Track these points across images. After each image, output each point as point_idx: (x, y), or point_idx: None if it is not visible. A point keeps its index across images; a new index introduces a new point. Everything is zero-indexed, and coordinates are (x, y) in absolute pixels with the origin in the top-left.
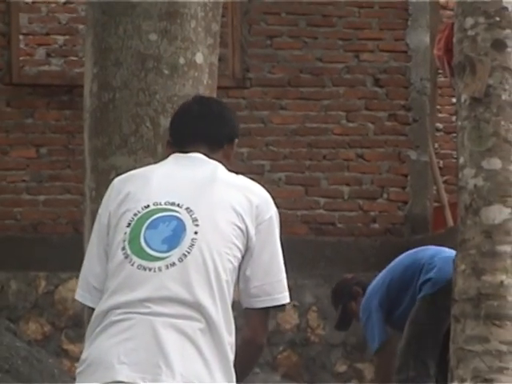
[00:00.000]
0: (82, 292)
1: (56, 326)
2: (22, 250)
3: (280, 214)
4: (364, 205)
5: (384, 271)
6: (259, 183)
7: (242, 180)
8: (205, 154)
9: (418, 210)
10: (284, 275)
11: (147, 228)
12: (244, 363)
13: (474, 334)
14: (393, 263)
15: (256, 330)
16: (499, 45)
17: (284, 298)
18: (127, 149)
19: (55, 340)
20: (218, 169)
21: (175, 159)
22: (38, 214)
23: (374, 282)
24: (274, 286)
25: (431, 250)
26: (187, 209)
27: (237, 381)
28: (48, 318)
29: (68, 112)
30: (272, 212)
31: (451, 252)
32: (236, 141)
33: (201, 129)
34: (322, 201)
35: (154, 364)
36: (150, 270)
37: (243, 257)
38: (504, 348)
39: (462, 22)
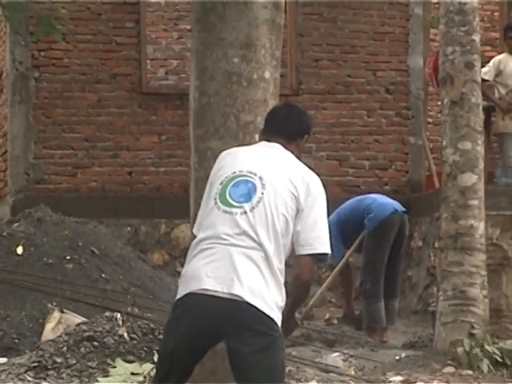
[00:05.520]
0: (195, 228)
1: (172, 255)
2: (148, 204)
3: (322, 179)
4: (379, 173)
5: (337, 210)
6: (308, 159)
7: (302, 166)
8: (282, 144)
9: (416, 177)
10: (325, 234)
11: (232, 186)
12: (295, 295)
13: (453, 260)
14: (343, 205)
15: (302, 269)
16: (470, 65)
17: (323, 249)
18: (218, 136)
19: (172, 265)
20: (288, 155)
21: (261, 145)
22: (160, 181)
23: (332, 215)
24: (316, 240)
25: (370, 198)
26: (260, 177)
27: (293, 307)
28: (167, 250)
29: (179, 111)
30: (319, 191)
31: (383, 198)
32: (306, 137)
33: (282, 126)
34: (351, 171)
35: (229, 278)
36: (229, 213)
37: (296, 216)
38: (473, 269)
39: (444, 49)
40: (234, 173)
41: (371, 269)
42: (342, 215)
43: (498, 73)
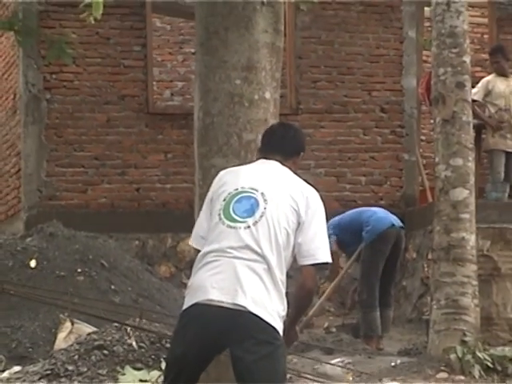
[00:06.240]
0: (193, 239)
1: (178, 268)
2: (155, 219)
3: (320, 195)
4: (375, 189)
5: (339, 217)
6: (307, 176)
7: (301, 181)
8: (279, 161)
9: (410, 191)
10: (325, 245)
11: (235, 202)
12: (298, 304)
13: (446, 270)
14: (344, 214)
15: (306, 278)
16: (460, 85)
17: (324, 258)
18: (221, 154)
19: (178, 277)
20: (286, 171)
21: (259, 162)
22: (166, 197)
23: (333, 220)
24: (317, 251)
25: (371, 211)
26: (261, 193)
27: (295, 318)
28: (173, 262)
29: (184, 131)
30: (317, 205)
31: (382, 212)
32: (302, 154)
33: (279, 145)
34: (348, 186)
35: (233, 289)
36: (233, 228)
37: (296, 229)
38: (465, 280)
39: (436, 70)
40: (237, 189)
41: (367, 280)
42: (342, 223)
43: (487, 93)
